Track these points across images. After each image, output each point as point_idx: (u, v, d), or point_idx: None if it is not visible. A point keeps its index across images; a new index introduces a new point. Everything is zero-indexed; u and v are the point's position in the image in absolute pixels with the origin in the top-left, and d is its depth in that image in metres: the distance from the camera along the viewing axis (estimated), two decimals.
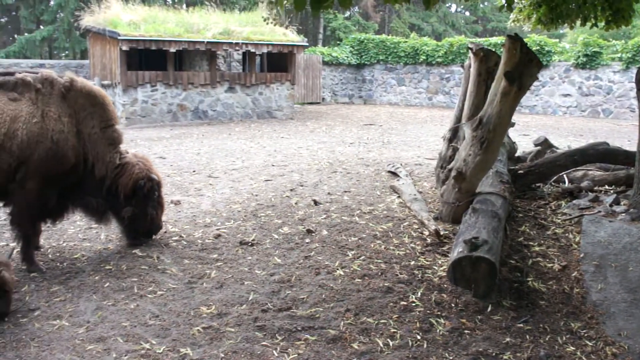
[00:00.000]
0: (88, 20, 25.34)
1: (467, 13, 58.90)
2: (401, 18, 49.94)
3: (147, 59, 25.05)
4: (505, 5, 9.15)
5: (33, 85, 6.49)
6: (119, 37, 21.85)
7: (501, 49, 7.71)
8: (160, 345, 4.82)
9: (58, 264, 6.80)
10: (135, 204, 7.09)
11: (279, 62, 26.51)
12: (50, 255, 7.10)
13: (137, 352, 4.72)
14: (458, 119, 10.14)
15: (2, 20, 42.75)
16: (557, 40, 31.90)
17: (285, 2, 5.24)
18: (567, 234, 7.64)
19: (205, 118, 24.17)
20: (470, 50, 9.28)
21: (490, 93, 7.64)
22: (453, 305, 5.57)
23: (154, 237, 7.57)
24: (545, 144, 11.66)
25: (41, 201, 6.58)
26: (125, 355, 4.67)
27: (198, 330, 5.09)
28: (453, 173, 8.01)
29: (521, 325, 5.24)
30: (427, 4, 5.11)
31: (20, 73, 6.62)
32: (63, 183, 6.70)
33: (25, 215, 6.56)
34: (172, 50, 22.87)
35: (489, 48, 9.35)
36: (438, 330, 5.09)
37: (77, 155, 6.67)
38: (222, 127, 21.93)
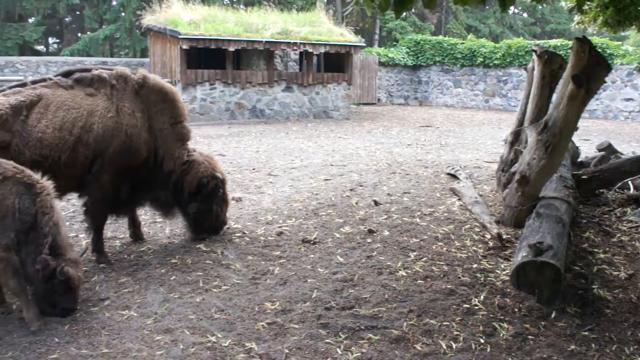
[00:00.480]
0: (149, 19, 25.84)
1: (525, 15, 57.82)
2: (458, 19, 49.36)
3: (206, 58, 25.41)
4: (576, 6, 8.96)
5: (108, 82, 6.69)
6: (180, 36, 22.22)
7: (562, 52, 7.56)
8: (225, 339, 4.90)
9: (125, 257, 6.98)
10: (200, 201, 7.27)
11: (335, 63, 26.55)
12: (117, 248, 7.29)
13: (204, 345, 4.81)
14: (520, 122, 9.99)
15: (67, 19, 43.91)
16: (620, 43, 31.00)
17: (371, 1, 5.22)
18: (633, 242, 7.47)
19: (262, 117, 24.38)
20: (534, 53, 9.13)
21: (556, 96, 7.51)
22: (516, 310, 5.50)
23: (217, 232, 7.71)
24: (609, 150, 11.41)
25: (114, 193, 6.80)
26: (192, 348, 4.76)
27: (262, 325, 5.15)
28: (516, 177, 7.90)
29: (586, 333, 5.13)
30: (503, 6, 5.05)
31: (96, 70, 6.82)
32: (135, 177, 6.91)
33: (99, 206, 6.78)
34: (231, 49, 23.14)
35: (553, 51, 9.17)
36: (501, 335, 5.03)
37: (149, 150, 6.88)
38: (279, 126, 22.10)
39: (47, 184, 5.29)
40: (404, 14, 44.62)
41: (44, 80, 6.59)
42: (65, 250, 5.23)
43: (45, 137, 6.14)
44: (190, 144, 7.45)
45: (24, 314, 5.14)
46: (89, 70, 6.79)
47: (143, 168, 6.91)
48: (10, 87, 6.47)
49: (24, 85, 6.48)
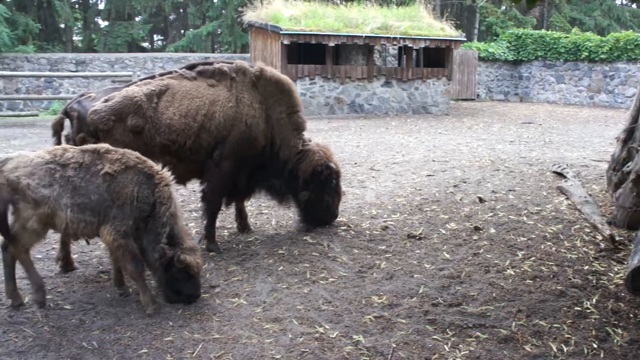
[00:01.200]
0: (250, 15, 26.38)
1: (634, 6, 54.97)
2: (561, 12, 47.63)
3: (306, 53, 25.67)
4: None
5: (228, 74, 7.05)
6: (281, 32, 22.56)
7: None
8: (333, 331, 4.96)
9: (234, 246, 7.19)
10: (312, 189, 7.45)
11: (434, 57, 26.23)
12: (226, 237, 7.50)
13: (312, 335, 4.88)
14: (635, 119, 9.55)
15: (171, 17, 45.44)
16: None
17: None
18: None
19: (361, 112, 24.42)
20: None
21: None
22: (631, 315, 5.28)
23: (327, 224, 7.88)
24: None
25: (232, 180, 7.09)
26: (300, 337, 4.84)
27: (370, 318, 5.18)
28: (631, 176, 7.58)
29: None
30: None
31: (217, 63, 7.18)
32: (252, 165, 7.19)
33: (217, 193, 7.11)
34: (331, 44, 23.28)
35: None
36: (615, 341, 4.83)
37: (266, 139, 7.16)
38: (378, 121, 22.08)
39: (167, 175, 5.48)
40: (503, 6, 43.53)
41: (170, 72, 7.08)
42: (182, 239, 5.39)
43: (173, 123, 6.59)
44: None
45: (140, 297, 5.40)
46: (210, 63, 7.17)
47: (260, 156, 7.20)
48: (141, 79, 6.98)
49: (152, 77, 6.98)
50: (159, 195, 5.33)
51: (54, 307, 5.42)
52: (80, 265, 6.58)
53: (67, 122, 6.63)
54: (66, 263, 6.35)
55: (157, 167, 5.48)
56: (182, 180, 6.97)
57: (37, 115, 22.90)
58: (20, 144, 16.44)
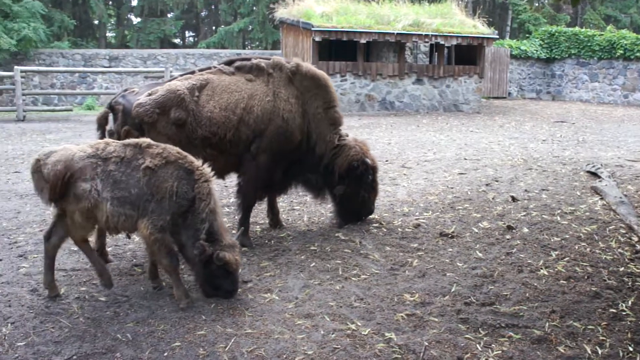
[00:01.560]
0: (282, 12, 26.46)
1: None
2: (596, 9, 46.88)
3: (337, 50, 25.65)
4: None
5: (265, 70, 7.19)
6: (312, 28, 22.57)
7: None
8: (365, 328, 4.95)
9: (266, 242, 7.23)
10: (347, 184, 7.49)
11: (466, 55, 26.02)
12: (258, 233, 7.54)
13: (344, 332, 4.88)
14: None
15: (203, 14, 45.75)
16: None
17: None
18: None
19: (392, 109, 24.35)
20: None
21: None
22: None
23: (362, 219, 7.93)
24: None
25: (269, 174, 7.19)
26: (332, 334, 4.84)
27: (402, 316, 5.16)
28: None
29: None
30: None
31: (255, 59, 7.31)
32: (288, 159, 7.27)
33: (252, 186, 7.20)
34: (363, 41, 23.24)
35: None
36: None
37: (302, 134, 7.24)
38: (409, 119, 21.98)
39: (207, 171, 5.49)
40: (536, 3, 43.01)
41: (209, 68, 7.28)
42: (221, 235, 5.41)
43: (214, 115, 6.75)
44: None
45: (174, 291, 5.44)
46: (248, 59, 7.33)
47: (297, 151, 7.27)
48: (181, 75, 7.18)
49: (192, 72, 7.17)
50: (198, 191, 5.35)
51: (89, 299, 5.51)
52: (114, 258, 6.68)
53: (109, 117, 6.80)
54: (100, 255, 6.44)
55: (197, 162, 5.50)
56: (221, 173, 7.10)
57: (71, 110, 23.23)
58: (55, 137, 16.70)
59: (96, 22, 39.56)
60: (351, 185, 7.52)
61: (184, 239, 5.40)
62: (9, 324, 4.95)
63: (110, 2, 41.51)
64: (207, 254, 5.27)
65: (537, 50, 33.34)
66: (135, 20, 42.48)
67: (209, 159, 5.97)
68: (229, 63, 7.31)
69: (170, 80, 7.06)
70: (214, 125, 6.74)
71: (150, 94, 6.68)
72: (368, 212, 7.91)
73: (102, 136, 6.66)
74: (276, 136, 7.02)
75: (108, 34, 42.75)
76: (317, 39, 22.80)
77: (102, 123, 6.78)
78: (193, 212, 5.34)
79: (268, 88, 7.08)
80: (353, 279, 6.03)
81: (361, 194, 7.64)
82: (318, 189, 7.66)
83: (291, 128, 7.09)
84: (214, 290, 5.48)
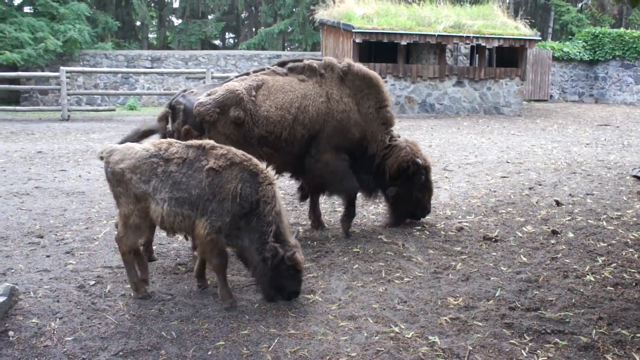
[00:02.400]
0: (322, 14, 26.52)
1: None
2: None
3: (376, 51, 25.59)
4: None
5: (318, 70, 7.28)
6: (353, 30, 22.59)
7: None
8: (408, 331, 4.91)
9: (309, 242, 7.23)
10: (400, 185, 7.56)
11: (507, 57, 25.76)
12: (300, 234, 7.54)
13: (387, 335, 4.85)
14: None
15: (243, 15, 46.10)
16: None
17: None
18: None
19: (432, 111, 24.20)
20: None
21: None
22: None
23: (419, 218, 8.04)
24: None
25: (343, 163, 7.30)
26: (376, 336, 4.82)
27: (445, 320, 5.11)
28: None
29: None
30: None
31: (307, 60, 7.40)
32: (348, 157, 7.37)
33: (341, 181, 7.33)
34: (403, 43, 23.17)
35: None
36: None
37: (359, 132, 7.32)
38: (450, 121, 21.83)
39: (271, 174, 5.45)
40: (579, 4, 42.27)
41: (262, 69, 7.38)
42: (287, 237, 5.41)
43: (270, 114, 6.86)
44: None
45: (218, 290, 5.47)
46: (300, 60, 7.42)
47: (354, 150, 7.38)
48: (236, 76, 7.31)
49: (247, 74, 7.30)
50: (263, 194, 5.31)
51: (135, 297, 5.57)
52: (159, 256, 6.75)
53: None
54: (146, 252, 6.54)
55: (261, 165, 5.47)
56: (277, 172, 7.14)
57: (114, 110, 23.62)
58: (98, 137, 17.00)
59: (138, 23, 40.16)
60: (403, 185, 7.58)
61: (246, 242, 5.36)
62: (58, 319, 5.03)
63: (153, 4, 42.10)
64: (280, 256, 5.25)
65: (580, 52, 32.81)
66: (177, 21, 43.04)
67: (264, 158, 6.08)
68: (282, 64, 7.41)
69: (227, 82, 7.17)
70: (270, 124, 6.85)
71: (209, 94, 6.80)
72: (424, 211, 7.95)
73: (163, 136, 6.79)
74: (333, 135, 7.13)
75: (150, 36, 43.35)
76: (358, 40, 22.79)
77: (162, 123, 6.93)
78: (258, 215, 5.31)
79: (321, 89, 7.18)
80: (396, 281, 6.00)
81: (414, 195, 7.69)
82: (371, 189, 7.73)
83: (346, 127, 7.19)
84: (278, 292, 5.45)
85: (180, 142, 5.61)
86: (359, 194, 7.67)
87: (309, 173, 7.29)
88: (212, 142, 5.55)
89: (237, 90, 6.79)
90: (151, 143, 5.56)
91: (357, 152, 7.41)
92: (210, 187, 5.22)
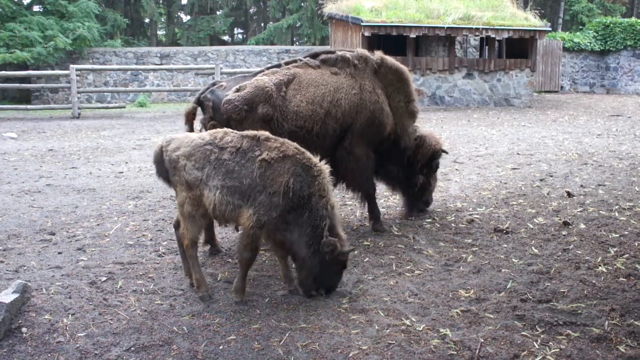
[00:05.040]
0: (330, 7, 26.45)
1: None
2: None
3: (385, 45, 25.50)
4: None
5: (351, 62, 7.27)
6: (362, 23, 22.54)
7: None
8: (419, 324, 4.90)
9: None
10: (425, 174, 7.75)
11: (517, 48, 25.60)
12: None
13: (398, 328, 4.84)
14: None
15: (252, 10, 46.09)
16: None
17: None
18: None
19: (442, 104, 24.13)
20: None
21: None
22: None
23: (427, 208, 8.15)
24: None
25: (370, 162, 7.35)
26: (387, 329, 4.82)
27: (457, 312, 5.10)
28: None
29: None
30: None
31: (340, 51, 7.38)
32: (379, 150, 7.46)
33: (363, 176, 7.35)
34: (412, 36, 23.10)
35: None
36: None
37: (390, 125, 7.36)
38: (460, 114, 21.76)
39: (324, 167, 5.34)
40: None
41: (295, 61, 7.35)
42: (340, 231, 5.34)
43: (300, 109, 6.83)
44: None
45: (234, 283, 5.44)
46: (332, 52, 7.39)
47: (385, 142, 7.44)
48: (267, 68, 7.27)
49: (278, 65, 7.28)
50: (317, 189, 5.21)
51: (146, 292, 5.58)
52: (169, 252, 6.76)
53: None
54: (212, 246, 6.68)
55: (315, 159, 5.35)
56: None
57: (124, 107, 23.67)
58: (109, 134, 17.06)
59: (147, 20, 40.29)
60: (428, 174, 7.79)
61: (295, 235, 5.25)
62: (70, 315, 5.06)
63: (161, 1, 42.17)
64: (338, 250, 5.20)
65: (590, 43, 32.58)
66: (185, 18, 43.13)
67: None
68: (314, 56, 7.38)
69: (257, 74, 7.15)
70: (300, 119, 6.82)
71: (238, 90, 6.76)
72: (431, 201, 8.16)
73: (190, 131, 6.80)
74: (366, 128, 7.14)
75: (159, 32, 43.47)
76: (367, 34, 22.74)
77: (190, 118, 6.94)
78: (310, 209, 5.20)
79: (354, 81, 7.16)
80: (407, 274, 5.99)
81: (432, 183, 7.93)
82: (398, 181, 7.83)
83: (379, 119, 7.20)
84: (319, 286, 5.40)
85: (236, 132, 5.54)
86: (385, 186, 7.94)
87: (339, 166, 7.16)
88: (267, 133, 5.47)
89: (267, 86, 6.73)
90: (208, 132, 5.57)
91: (388, 145, 7.48)
92: (262, 178, 5.14)
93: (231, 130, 5.61)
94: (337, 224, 5.34)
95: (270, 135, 5.42)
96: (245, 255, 5.31)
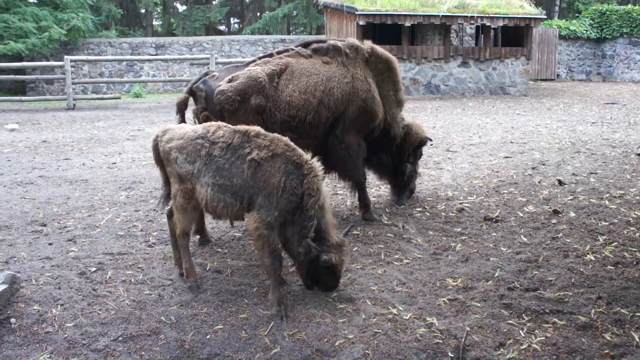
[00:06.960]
0: None
1: None
2: None
3: (380, 33, 25.46)
4: None
5: (343, 51, 7.28)
6: (357, 12, 22.49)
7: None
8: (407, 312, 4.93)
9: None
10: (412, 162, 7.89)
11: (513, 36, 25.57)
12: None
13: (385, 316, 4.87)
14: None
15: (247, 0, 45.93)
16: None
17: None
18: None
19: (437, 92, 24.11)
20: None
21: None
22: None
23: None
24: None
25: (361, 150, 7.39)
26: (374, 318, 4.84)
27: (444, 301, 5.12)
28: None
29: None
30: None
31: (331, 40, 7.41)
32: (369, 139, 7.51)
33: (353, 165, 7.37)
34: (407, 24, 23.04)
35: None
36: None
37: (382, 113, 7.40)
38: (455, 102, 21.75)
39: (316, 165, 5.15)
40: None
41: (287, 50, 7.36)
42: (329, 234, 5.12)
43: (293, 99, 6.86)
44: None
45: (269, 295, 5.15)
46: (324, 41, 7.42)
47: (376, 131, 7.49)
48: (260, 58, 7.28)
49: (270, 55, 7.28)
50: (307, 187, 5.02)
51: (135, 282, 5.60)
52: (159, 242, 6.77)
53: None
54: (201, 236, 6.70)
55: (306, 156, 5.17)
56: None
57: (119, 97, 23.61)
58: (104, 125, 17.04)
59: (142, 10, 40.13)
60: (414, 163, 7.95)
61: (289, 234, 5.14)
62: (59, 306, 5.08)
63: None
64: (313, 255, 5.01)
65: (587, 30, 32.51)
66: (181, 8, 42.98)
67: None
68: (306, 45, 7.40)
69: (249, 64, 7.15)
70: (293, 108, 6.85)
71: (230, 80, 6.77)
72: (414, 188, 8.30)
73: (182, 121, 6.83)
74: (358, 116, 7.17)
75: (154, 23, 43.34)
76: (361, 22, 22.68)
77: (181, 108, 6.94)
78: (301, 209, 5.04)
79: (346, 70, 7.18)
80: (395, 263, 6.02)
81: (416, 171, 8.09)
82: (387, 169, 7.91)
83: (371, 107, 7.22)
84: (315, 283, 5.31)
85: (229, 125, 5.44)
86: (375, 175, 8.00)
87: (329, 153, 7.20)
88: (258, 128, 5.32)
89: (259, 77, 6.74)
90: (201, 125, 5.52)
91: (378, 134, 7.54)
92: (253, 179, 5.02)
93: (225, 124, 5.51)
94: (327, 226, 5.12)
95: (261, 131, 5.28)
96: (266, 261, 5.08)
